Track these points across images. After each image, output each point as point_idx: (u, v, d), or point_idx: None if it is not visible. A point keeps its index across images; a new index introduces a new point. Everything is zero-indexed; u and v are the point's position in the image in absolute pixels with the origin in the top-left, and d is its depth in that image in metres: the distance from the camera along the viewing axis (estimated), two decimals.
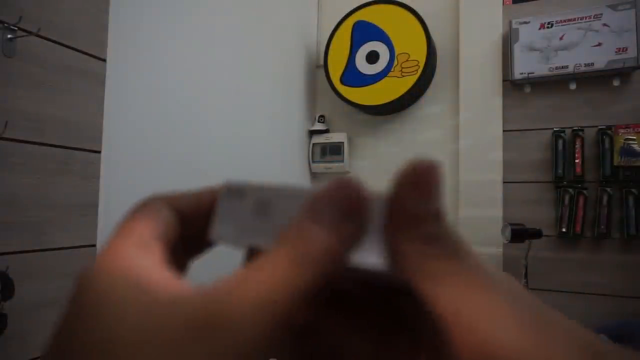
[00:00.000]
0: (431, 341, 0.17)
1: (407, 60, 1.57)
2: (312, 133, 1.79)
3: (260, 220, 0.17)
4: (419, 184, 0.14)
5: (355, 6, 1.65)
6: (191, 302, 0.13)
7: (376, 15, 1.62)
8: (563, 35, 1.41)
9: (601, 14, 1.37)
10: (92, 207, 0.86)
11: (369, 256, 0.15)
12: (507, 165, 1.49)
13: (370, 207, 0.15)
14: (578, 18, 1.40)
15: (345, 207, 0.15)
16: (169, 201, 0.19)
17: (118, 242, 0.16)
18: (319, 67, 1.81)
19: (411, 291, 0.15)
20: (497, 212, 1.48)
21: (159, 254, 0.16)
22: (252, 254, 0.20)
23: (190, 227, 0.19)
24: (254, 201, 0.18)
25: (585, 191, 1.38)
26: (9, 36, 0.71)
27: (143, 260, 0.15)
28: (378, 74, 1.61)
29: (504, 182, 1.49)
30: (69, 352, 0.13)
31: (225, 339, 0.12)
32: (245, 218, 0.18)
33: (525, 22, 1.46)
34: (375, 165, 1.72)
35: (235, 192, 0.19)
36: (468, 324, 0.13)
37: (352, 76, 1.64)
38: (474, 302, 0.13)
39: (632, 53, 1.32)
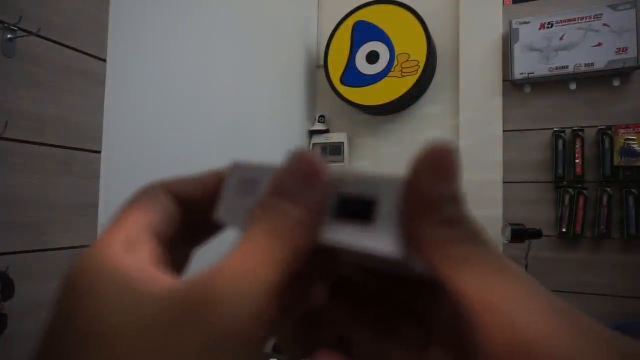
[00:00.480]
0: (447, 332, 0.17)
1: (407, 60, 1.57)
2: (312, 133, 1.79)
3: None
4: (437, 167, 0.14)
5: (355, 6, 1.66)
6: (175, 293, 0.13)
7: (376, 15, 1.62)
8: (563, 35, 1.41)
9: (601, 14, 1.37)
10: (92, 207, 0.86)
11: (379, 242, 0.14)
12: (507, 165, 1.49)
13: (332, 175, 0.15)
14: (578, 18, 1.40)
15: (305, 178, 0.15)
16: (169, 187, 0.18)
17: (107, 238, 0.15)
18: (319, 67, 1.81)
19: (425, 279, 0.14)
20: (497, 212, 1.48)
21: (147, 249, 0.16)
22: None
23: (193, 212, 0.19)
24: (259, 181, 0.17)
25: (585, 191, 1.38)
26: (9, 36, 0.71)
27: (129, 258, 0.15)
28: (378, 74, 1.61)
29: (504, 182, 1.49)
30: (54, 347, 0.13)
31: (216, 323, 0.12)
32: (249, 199, 0.17)
33: (525, 22, 1.46)
34: (376, 165, 1.72)
35: (243, 172, 0.18)
36: (501, 311, 0.12)
37: (352, 76, 1.64)
38: (506, 288, 0.13)
39: (632, 53, 1.32)
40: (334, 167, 0.17)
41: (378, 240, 0.14)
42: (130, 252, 0.15)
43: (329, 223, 0.15)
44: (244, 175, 0.18)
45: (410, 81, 1.56)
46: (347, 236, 0.15)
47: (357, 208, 0.15)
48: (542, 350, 0.12)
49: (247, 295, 0.13)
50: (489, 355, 0.12)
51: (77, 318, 0.13)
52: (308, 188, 0.15)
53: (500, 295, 0.12)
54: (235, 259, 0.13)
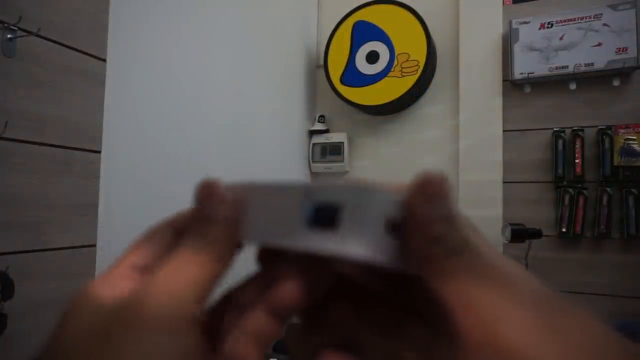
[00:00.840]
0: (444, 332, 0.18)
1: (407, 60, 1.57)
2: (312, 133, 1.79)
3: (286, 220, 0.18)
4: (427, 193, 0.16)
5: (355, 6, 1.65)
6: (118, 302, 0.16)
7: (376, 15, 1.62)
8: (563, 35, 1.41)
9: (601, 14, 1.37)
10: (92, 207, 0.86)
11: (343, 246, 0.15)
12: (507, 165, 1.49)
13: (306, 186, 0.17)
14: (578, 18, 1.40)
15: (212, 204, 0.19)
16: (174, 225, 0.21)
17: (109, 272, 0.19)
18: (319, 67, 1.81)
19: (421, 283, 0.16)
20: (497, 212, 1.48)
21: (127, 281, 0.18)
22: (264, 255, 0.21)
23: None
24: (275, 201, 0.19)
25: (585, 191, 1.38)
26: (9, 36, 0.71)
27: (107, 289, 0.18)
28: (378, 74, 1.61)
29: (504, 182, 1.49)
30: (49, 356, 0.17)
31: (145, 323, 0.15)
32: (274, 217, 0.19)
33: (525, 22, 1.46)
34: (375, 165, 1.72)
35: (257, 192, 0.20)
36: (476, 317, 0.14)
37: (352, 76, 1.64)
38: (483, 292, 0.15)
39: (632, 53, 1.32)
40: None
41: (342, 244, 0.15)
42: (111, 286, 0.18)
43: (301, 231, 0.17)
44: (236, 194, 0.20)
45: (410, 81, 1.56)
46: (315, 242, 0.16)
47: (326, 215, 0.16)
48: (507, 345, 0.14)
49: (170, 301, 0.16)
50: (466, 348, 0.14)
51: (57, 333, 0.17)
52: (217, 211, 0.18)
53: (477, 299, 0.15)
54: (167, 271, 0.17)
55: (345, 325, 0.20)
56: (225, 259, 0.18)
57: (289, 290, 0.18)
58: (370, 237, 0.15)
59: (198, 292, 0.17)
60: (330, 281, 0.20)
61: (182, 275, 0.17)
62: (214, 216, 0.18)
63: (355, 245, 0.15)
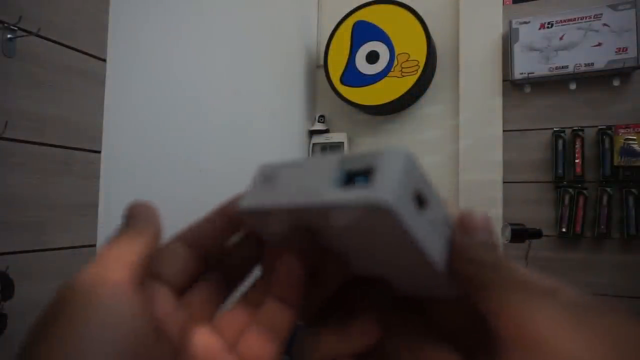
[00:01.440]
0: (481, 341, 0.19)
1: (407, 60, 1.57)
2: (312, 133, 1.79)
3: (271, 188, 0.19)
4: (471, 227, 0.18)
5: (355, 6, 1.65)
6: (61, 286, 0.17)
7: (376, 15, 1.62)
8: (563, 35, 1.41)
9: (601, 14, 1.37)
10: (92, 207, 0.86)
11: (374, 194, 0.15)
12: (507, 165, 1.49)
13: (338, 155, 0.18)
14: (578, 18, 1.40)
15: (141, 211, 0.20)
16: (184, 239, 0.21)
17: (95, 265, 0.18)
18: (319, 67, 1.81)
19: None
20: (497, 212, 1.48)
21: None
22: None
23: (217, 255, 0.21)
24: (279, 174, 0.19)
25: (585, 191, 1.38)
26: (9, 36, 0.71)
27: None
28: (378, 74, 1.61)
29: (504, 182, 1.49)
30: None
31: (79, 305, 0.16)
32: (271, 188, 0.19)
33: (525, 22, 1.46)
34: None
35: (266, 169, 0.20)
36: (516, 321, 0.15)
37: (352, 76, 1.64)
38: (523, 305, 0.16)
39: (632, 53, 1.32)
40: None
41: (367, 196, 0.15)
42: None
43: (328, 190, 0.17)
44: (267, 172, 0.20)
45: (410, 81, 1.56)
46: (340, 196, 0.16)
47: (356, 177, 0.16)
48: (549, 348, 0.14)
49: (98, 275, 0.16)
50: (508, 354, 0.16)
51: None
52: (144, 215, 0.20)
53: (518, 308, 0.16)
54: (102, 256, 0.18)
55: (368, 334, 0.20)
56: (149, 240, 0.19)
57: (288, 267, 0.18)
58: (400, 193, 0.15)
59: (126, 265, 0.17)
60: (342, 270, 0.20)
61: (112, 253, 0.18)
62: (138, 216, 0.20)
63: (382, 194, 0.15)
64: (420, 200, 0.16)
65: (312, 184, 0.17)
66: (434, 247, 0.17)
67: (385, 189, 0.15)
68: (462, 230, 0.18)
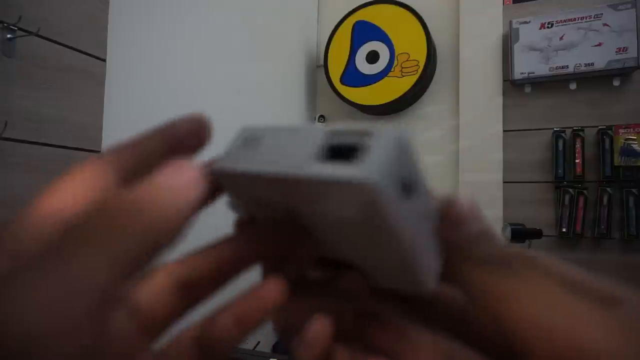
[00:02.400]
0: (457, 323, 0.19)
1: (407, 60, 1.57)
2: None
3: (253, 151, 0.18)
4: (470, 217, 0.18)
5: (355, 6, 1.65)
6: None
7: (376, 15, 1.62)
8: (563, 35, 1.41)
9: (601, 14, 1.37)
10: None
11: (356, 171, 0.14)
12: (507, 165, 1.49)
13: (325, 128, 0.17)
14: (578, 18, 1.40)
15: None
16: (176, 273, 0.18)
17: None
18: (319, 67, 1.81)
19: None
20: (497, 212, 1.48)
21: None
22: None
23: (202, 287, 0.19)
24: (262, 138, 0.18)
25: (585, 191, 1.38)
26: (8, 36, 0.71)
27: None
28: (378, 74, 1.61)
29: (504, 182, 1.49)
30: None
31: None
32: (251, 152, 0.18)
33: (526, 22, 1.46)
34: None
35: (248, 132, 0.19)
36: (548, 330, 0.15)
37: (352, 76, 1.64)
38: (552, 307, 0.15)
39: (632, 53, 1.32)
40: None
41: (356, 170, 0.14)
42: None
43: (309, 164, 0.15)
44: (248, 135, 0.19)
45: (410, 81, 1.56)
46: (321, 170, 0.15)
47: (340, 152, 0.15)
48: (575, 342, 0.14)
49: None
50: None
51: None
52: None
53: (547, 316, 0.15)
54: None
55: (353, 294, 0.19)
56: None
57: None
58: (386, 174, 0.14)
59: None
60: (314, 251, 0.19)
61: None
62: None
63: (367, 172, 0.14)
64: (407, 187, 0.15)
65: (294, 153, 0.16)
66: (416, 239, 0.16)
67: (371, 168, 0.14)
68: (450, 223, 0.17)
